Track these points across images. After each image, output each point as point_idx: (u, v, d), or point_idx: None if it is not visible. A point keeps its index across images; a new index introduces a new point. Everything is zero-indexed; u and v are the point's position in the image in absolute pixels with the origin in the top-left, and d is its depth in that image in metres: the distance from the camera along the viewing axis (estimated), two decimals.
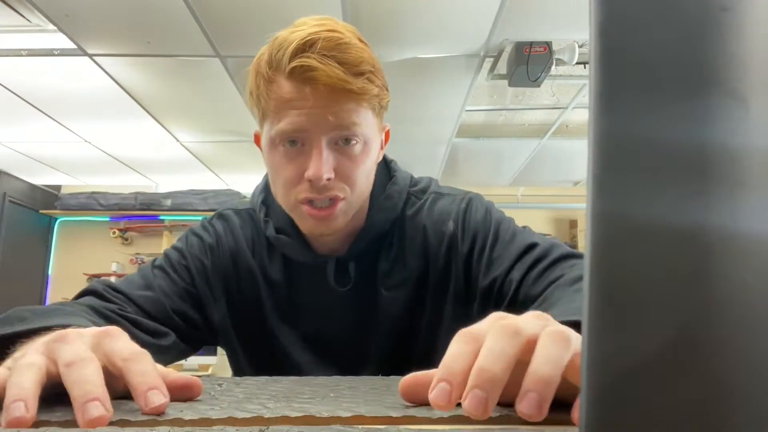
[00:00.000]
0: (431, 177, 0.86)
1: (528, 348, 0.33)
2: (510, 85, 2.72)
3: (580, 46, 2.56)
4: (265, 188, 0.83)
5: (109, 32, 2.42)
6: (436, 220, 0.77)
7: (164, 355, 0.71)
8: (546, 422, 0.31)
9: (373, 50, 0.70)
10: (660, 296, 0.19)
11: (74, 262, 4.99)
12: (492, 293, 0.71)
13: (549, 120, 3.64)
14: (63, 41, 2.46)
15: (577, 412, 0.26)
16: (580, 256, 0.67)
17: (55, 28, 2.35)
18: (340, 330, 0.78)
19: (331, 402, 0.38)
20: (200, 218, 0.85)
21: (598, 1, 0.20)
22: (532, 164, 4.52)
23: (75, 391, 0.33)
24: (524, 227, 0.76)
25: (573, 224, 5.32)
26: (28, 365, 0.35)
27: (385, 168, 0.83)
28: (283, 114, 0.66)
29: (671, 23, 0.19)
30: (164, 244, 4.86)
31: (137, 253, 5.03)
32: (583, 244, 0.22)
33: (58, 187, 5.24)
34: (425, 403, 0.36)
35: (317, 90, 0.64)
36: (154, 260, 0.79)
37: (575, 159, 4.35)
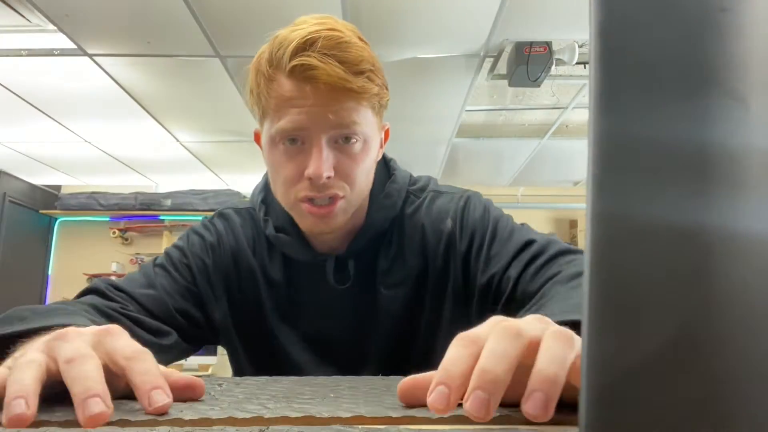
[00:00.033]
0: (430, 176, 0.86)
1: (530, 350, 0.33)
2: (510, 85, 2.72)
3: (580, 46, 2.56)
4: (265, 187, 0.83)
5: (109, 32, 2.42)
6: (435, 219, 0.78)
7: (166, 354, 0.71)
8: (546, 422, 0.30)
9: (373, 50, 0.70)
10: (660, 296, 0.19)
11: (74, 262, 4.99)
12: (490, 290, 0.71)
13: (549, 120, 3.64)
14: (63, 41, 2.46)
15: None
16: (577, 252, 0.68)
17: (55, 28, 2.35)
18: (340, 329, 0.78)
19: (331, 402, 0.38)
20: (200, 218, 0.85)
21: (598, 1, 0.20)
22: (532, 164, 4.52)
23: (75, 388, 0.33)
24: (522, 224, 0.76)
25: (573, 224, 5.32)
26: (28, 362, 0.35)
27: (385, 167, 0.83)
28: (284, 112, 0.66)
29: (671, 23, 0.19)
30: (164, 244, 4.86)
31: (137, 253, 5.03)
32: (583, 244, 0.22)
33: (58, 187, 5.24)
34: (424, 406, 0.36)
35: (317, 88, 0.64)
36: (155, 259, 0.79)
37: (575, 159, 4.35)
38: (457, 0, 2.19)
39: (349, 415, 0.33)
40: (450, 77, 2.87)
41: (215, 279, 0.78)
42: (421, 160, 4.28)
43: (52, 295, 5.03)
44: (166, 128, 3.61)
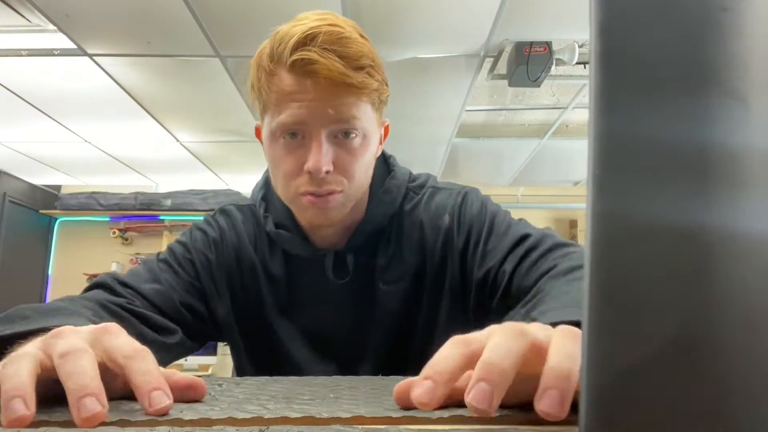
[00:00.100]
0: (429, 173, 0.86)
1: (532, 354, 0.32)
2: (510, 85, 2.72)
3: (580, 46, 2.56)
4: (265, 185, 0.83)
5: (109, 32, 2.42)
6: (433, 215, 0.78)
7: (169, 353, 0.71)
8: (546, 422, 0.30)
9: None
10: (660, 296, 0.19)
11: (74, 262, 4.99)
12: (486, 285, 0.72)
13: (549, 120, 3.64)
14: (63, 41, 2.46)
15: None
16: (571, 245, 0.68)
17: (55, 28, 2.35)
18: (339, 325, 0.79)
19: (331, 403, 0.38)
20: (200, 218, 0.86)
21: (598, 1, 0.20)
22: (532, 164, 4.52)
23: (69, 384, 0.33)
24: (520, 219, 0.76)
25: (573, 224, 5.32)
26: (21, 355, 0.35)
27: (384, 163, 0.83)
28: (284, 106, 0.67)
29: (671, 23, 0.19)
30: (164, 244, 4.85)
31: (137, 253, 5.03)
32: (583, 244, 0.22)
33: (58, 187, 5.24)
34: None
35: (318, 83, 0.65)
36: (158, 254, 0.79)
37: (575, 159, 4.35)
38: (457, 0, 2.19)
39: (349, 415, 0.33)
40: (450, 77, 2.87)
41: (218, 275, 0.79)
42: (421, 160, 4.28)
43: (52, 295, 5.03)
44: (166, 128, 3.61)
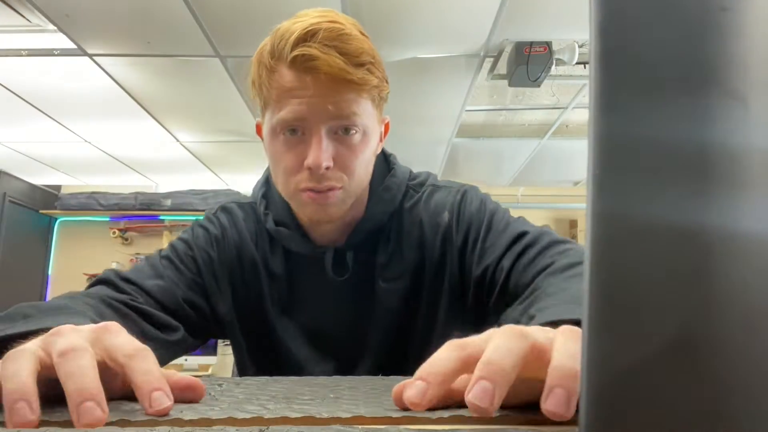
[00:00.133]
0: (429, 172, 0.86)
1: (532, 356, 0.32)
2: (510, 85, 2.72)
3: (580, 46, 2.56)
4: (266, 183, 0.84)
5: (109, 32, 2.41)
6: (433, 213, 0.78)
7: (171, 350, 0.71)
8: (546, 422, 0.30)
9: None
10: (660, 296, 0.19)
11: (74, 262, 4.99)
12: (484, 282, 0.72)
13: (549, 120, 3.64)
14: (63, 41, 2.46)
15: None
16: (568, 242, 0.68)
17: (55, 28, 2.35)
18: (338, 322, 0.79)
19: (331, 403, 0.38)
20: (200, 218, 0.86)
21: (598, 1, 0.20)
22: (532, 164, 4.52)
23: (69, 385, 0.32)
24: (519, 217, 0.77)
25: (573, 224, 5.32)
26: (21, 352, 0.35)
27: (384, 161, 0.84)
28: (284, 103, 0.67)
29: (671, 23, 0.19)
30: (164, 244, 4.82)
31: (137, 253, 5.03)
32: (584, 244, 0.22)
33: (58, 187, 5.24)
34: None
35: (318, 79, 0.65)
36: (160, 251, 0.79)
37: (575, 159, 4.35)
38: (457, 0, 2.19)
39: (349, 415, 0.33)
40: (450, 77, 2.87)
41: (220, 272, 0.79)
42: (421, 160, 4.28)
43: (52, 295, 4.97)
44: (166, 128, 3.61)
